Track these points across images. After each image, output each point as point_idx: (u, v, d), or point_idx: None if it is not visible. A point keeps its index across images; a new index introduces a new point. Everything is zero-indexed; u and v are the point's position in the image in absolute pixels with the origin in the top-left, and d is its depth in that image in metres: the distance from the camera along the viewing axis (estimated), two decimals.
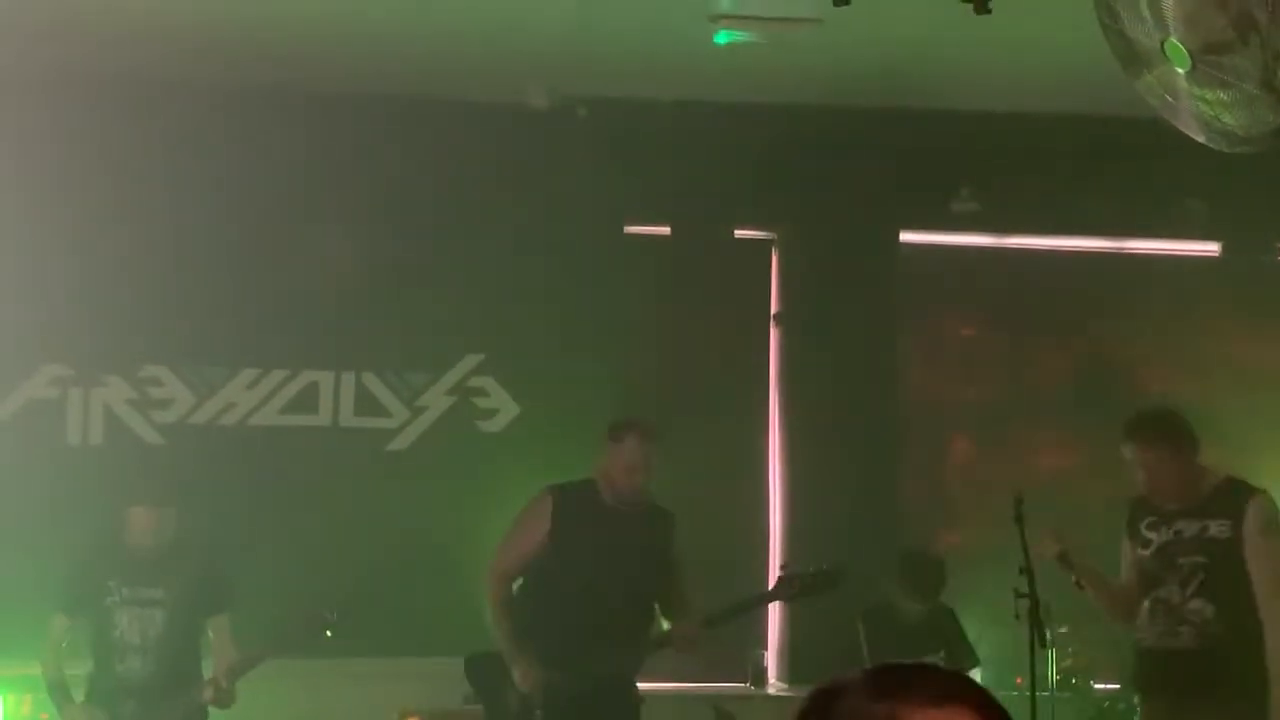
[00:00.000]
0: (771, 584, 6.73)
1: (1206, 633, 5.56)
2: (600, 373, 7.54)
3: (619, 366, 7.63)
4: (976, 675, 6.85)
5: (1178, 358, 8.09)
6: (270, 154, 7.49)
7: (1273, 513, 5.63)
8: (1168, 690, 5.72)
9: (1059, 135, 7.82)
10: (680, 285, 7.90)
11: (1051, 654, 6.83)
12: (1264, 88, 3.50)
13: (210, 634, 6.36)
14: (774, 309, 8.12)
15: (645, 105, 7.69)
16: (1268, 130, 3.61)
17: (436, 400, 7.72)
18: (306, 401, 7.63)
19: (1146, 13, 3.64)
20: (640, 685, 6.24)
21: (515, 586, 6.25)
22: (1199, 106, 3.70)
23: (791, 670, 7.78)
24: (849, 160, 7.78)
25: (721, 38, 6.63)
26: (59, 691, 6.26)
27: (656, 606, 6.24)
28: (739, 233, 8.00)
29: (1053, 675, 6.95)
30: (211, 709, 6.27)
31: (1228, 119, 3.66)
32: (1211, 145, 3.81)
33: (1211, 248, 8.23)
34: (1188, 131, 3.85)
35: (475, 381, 7.74)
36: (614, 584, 6.03)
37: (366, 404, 7.67)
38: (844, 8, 5.17)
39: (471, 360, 7.74)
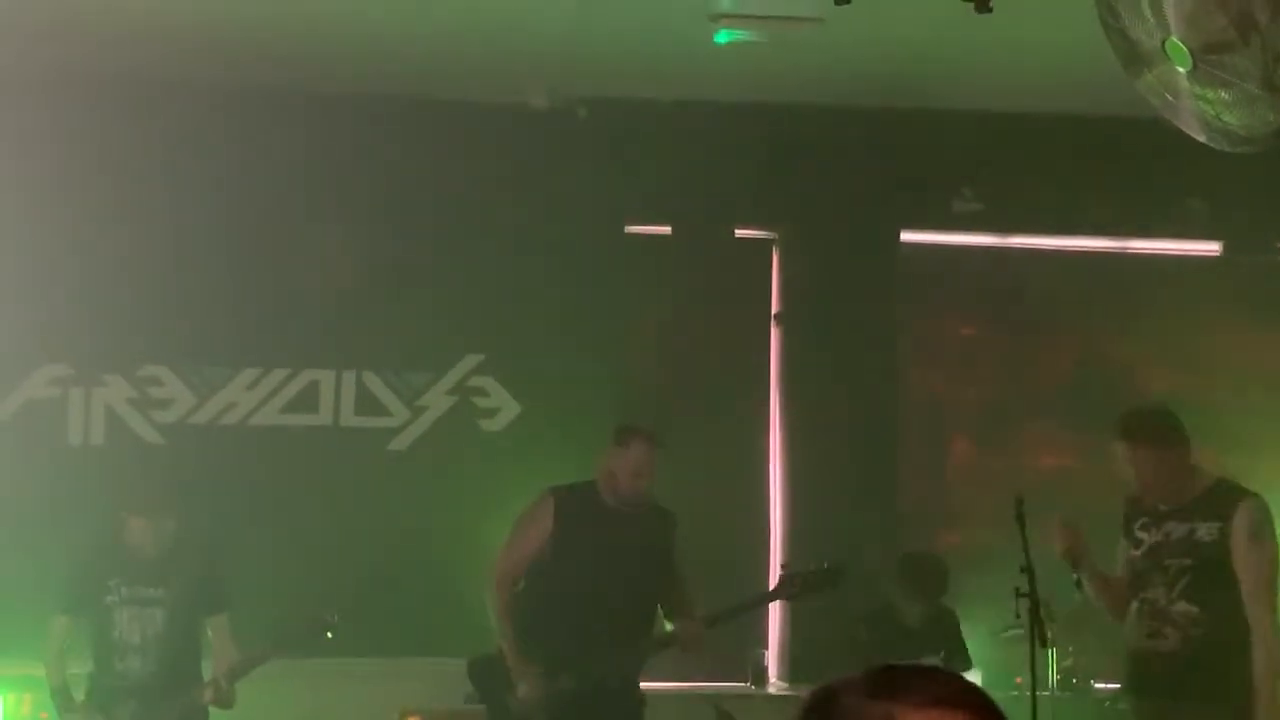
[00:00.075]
0: (773, 583, 6.74)
1: (1191, 635, 5.49)
2: (601, 372, 7.55)
3: (619, 366, 7.64)
4: (975, 677, 6.85)
5: (1178, 358, 8.08)
6: (270, 154, 7.49)
7: (1262, 516, 5.52)
8: (1153, 692, 5.66)
9: (1059, 135, 7.82)
10: (681, 285, 7.90)
11: (1052, 654, 6.84)
12: (1265, 87, 3.50)
13: (210, 634, 6.37)
14: (774, 309, 8.11)
15: (645, 105, 7.69)
16: (1268, 130, 3.61)
17: (437, 400, 7.72)
18: (307, 401, 7.63)
19: (1148, 12, 3.64)
20: (640, 685, 6.24)
21: (517, 588, 6.25)
22: (1200, 106, 3.70)
23: (792, 670, 7.78)
24: (849, 160, 7.79)
25: (722, 37, 6.62)
26: (62, 696, 6.25)
27: (659, 607, 6.24)
28: (739, 233, 7.99)
29: (1053, 675, 6.95)
30: (212, 709, 6.27)
31: (1228, 118, 3.66)
32: (1212, 145, 3.81)
33: (1212, 247, 8.22)
34: (1188, 131, 3.85)
35: (476, 381, 7.74)
36: (616, 585, 6.03)
37: (367, 404, 7.67)
38: (844, 7, 5.16)
39: (472, 360, 7.73)
